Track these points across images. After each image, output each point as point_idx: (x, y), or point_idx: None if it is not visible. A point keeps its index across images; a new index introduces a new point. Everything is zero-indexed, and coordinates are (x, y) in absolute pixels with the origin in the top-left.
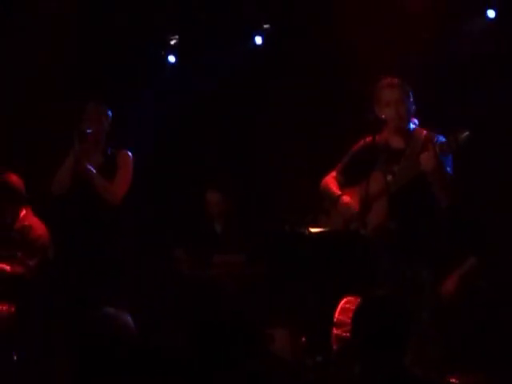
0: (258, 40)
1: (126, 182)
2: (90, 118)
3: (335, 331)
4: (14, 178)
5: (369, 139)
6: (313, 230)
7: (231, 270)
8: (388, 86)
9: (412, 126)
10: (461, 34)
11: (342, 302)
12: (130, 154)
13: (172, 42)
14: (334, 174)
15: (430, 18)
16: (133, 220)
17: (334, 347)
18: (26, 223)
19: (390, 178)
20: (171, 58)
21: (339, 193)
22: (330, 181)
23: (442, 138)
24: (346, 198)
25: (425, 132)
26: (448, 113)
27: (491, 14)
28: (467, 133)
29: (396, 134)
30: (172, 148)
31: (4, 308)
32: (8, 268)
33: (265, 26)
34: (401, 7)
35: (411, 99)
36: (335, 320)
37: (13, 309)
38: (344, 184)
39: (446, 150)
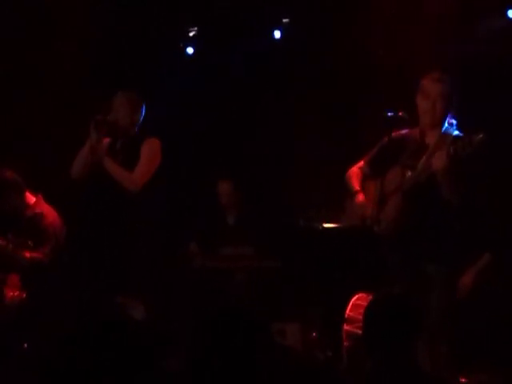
0: (277, 34)
1: (147, 170)
2: (113, 107)
3: (346, 327)
4: (7, 173)
5: (399, 132)
6: (326, 225)
7: (241, 262)
8: (433, 79)
9: (446, 125)
10: (481, 34)
11: (354, 298)
12: (157, 140)
13: (191, 34)
14: (360, 164)
15: (450, 18)
16: (150, 210)
17: (345, 343)
18: (38, 211)
19: (408, 173)
20: (189, 50)
21: (357, 188)
22: (355, 172)
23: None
24: (360, 197)
25: (455, 132)
26: (466, 113)
27: None
28: (481, 135)
29: (427, 129)
30: (187, 138)
31: (15, 294)
32: (27, 255)
33: (284, 21)
34: (421, 7)
35: (453, 99)
36: (346, 316)
37: (24, 295)
38: (370, 175)
39: (460, 152)
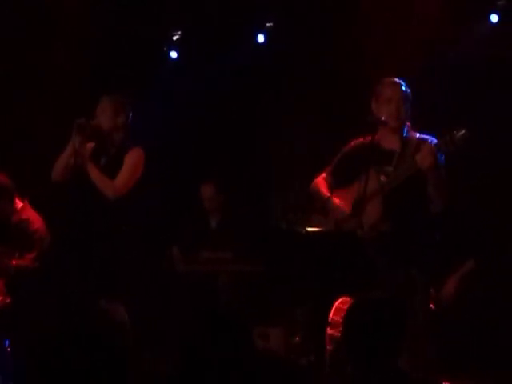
0: (261, 38)
1: (129, 179)
2: (98, 111)
3: (329, 331)
4: (0, 178)
5: (360, 140)
6: (309, 229)
7: (223, 266)
8: (390, 84)
9: (405, 128)
10: (464, 38)
11: (337, 302)
12: (141, 150)
13: (174, 38)
14: (324, 175)
15: (434, 22)
16: (134, 214)
17: (328, 347)
18: (24, 217)
19: (383, 178)
20: (173, 54)
21: (328, 195)
22: (320, 182)
23: (434, 140)
24: (335, 201)
25: (417, 135)
26: (449, 116)
27: (494, 18)
28: (463, 131)
29: (390, 134)
30: (170, 143)
31: None
32: (14, 263)
33: (267, 25)
34: (405, 11)
35: (409, 102)
36: (330, 320)
37: (8, 300)
38: (334, 185)
39: (442, 148)
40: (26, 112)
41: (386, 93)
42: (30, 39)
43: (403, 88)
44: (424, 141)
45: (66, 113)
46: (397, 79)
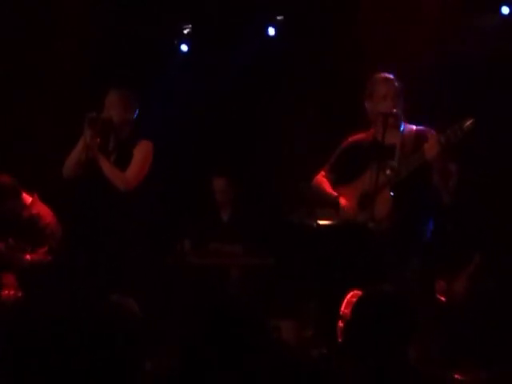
0: (271, 31)
1: (139, 171)
2: (107, 104)
3: (341, 324)
4: (4, 178)
5: (356, 136)
6: (321, 222)
7: (235, 259)
8: (383, 80)
9: (402, 122)
10: (475, 31)
11: (349, 295)
12: (150, 143)
13: (185, 31)
14: (323, 173)
15: (444, 15)
16: (145, 207)
17: (340, 340)
18: (34, 212)
19: (388, 172)
20: (184, 47)
21: (335, 194)
22: (322, 180)
23: (433, 131)
24: (343, 201)
25: (414, 127)
26: (449, 115)
27: (505, 10)
28: (472, 120)
29: (389, 129)
30: (182, 135)
31: (11, 293)
32: (28, 257)
33: (278, 18)
34: (405, 11)
35: (403, 96)
36: (341, 313)
37: (19, 294)
38: (335, 182)
39: (451, 137)
40: (26, 112)
41: (380, 90)
42: (30, 39)
43: (396, 83)
44: (423, 132)
45: (66, 113)
46: (388, 75)
